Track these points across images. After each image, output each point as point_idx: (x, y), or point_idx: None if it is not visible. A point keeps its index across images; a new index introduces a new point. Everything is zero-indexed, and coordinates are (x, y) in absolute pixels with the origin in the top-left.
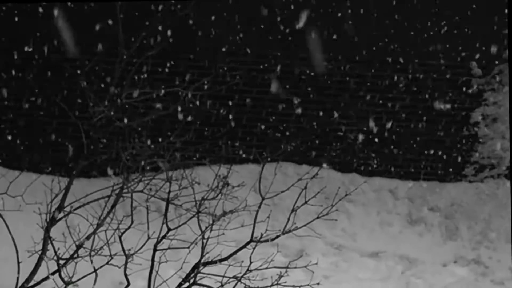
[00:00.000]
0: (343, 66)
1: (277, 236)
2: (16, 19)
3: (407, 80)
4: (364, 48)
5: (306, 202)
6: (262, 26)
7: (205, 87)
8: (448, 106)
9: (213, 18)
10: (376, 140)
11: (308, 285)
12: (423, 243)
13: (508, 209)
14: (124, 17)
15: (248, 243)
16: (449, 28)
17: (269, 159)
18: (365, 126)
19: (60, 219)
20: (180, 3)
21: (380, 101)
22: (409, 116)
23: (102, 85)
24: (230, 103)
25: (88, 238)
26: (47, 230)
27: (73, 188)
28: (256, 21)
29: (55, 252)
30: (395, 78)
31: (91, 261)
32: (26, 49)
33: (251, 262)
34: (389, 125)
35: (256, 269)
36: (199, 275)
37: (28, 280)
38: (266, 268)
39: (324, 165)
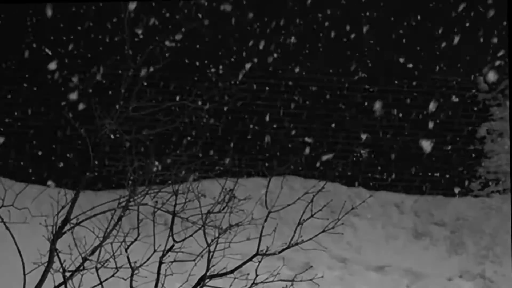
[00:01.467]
0: (349, 80)
1: (283, 249)
2: (22, 27)
3: (413, 94)
4: (370, 62)
5: (312, 216)
6: (267, 39)
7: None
8: (454, 120)
9: (220, 32)
10: (382, 154)
11: None
12: (428, 257)
13: None
14: (131, 30)
15: (254, 256)
16: (455, 43)
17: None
18: (371, 140)
19: (66, 231)
20: (187, 16)
21: (386, 115)
22: (415, 130)
23: (109, 98)
24: (237, 116)
25: (94, 250)
26: (53, 242)
27: (80, 201)
28: (261, 34)
29: (61, 264)
30: (401, 92)
31: (97, 274)
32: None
33: (257, 275)
34: (395, 139)
35: (261, 282)
36: None
37: None
38: (272, 281)
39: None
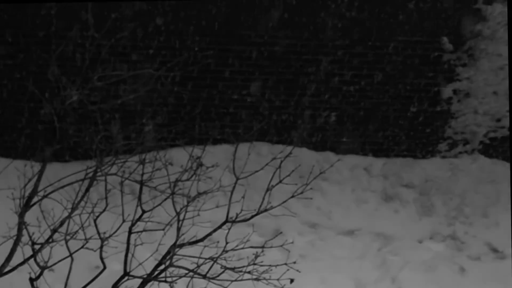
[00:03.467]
0: (314, 44)
1: (253, 216)
2: None
3: (378, 56)
4: (334, 26)
5: (280, 181)
6: (233, 5)
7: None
8: (421, 82)
9: None
10: (349, 118)
11: (285, 264)
12: (398, 220)
13: (482, 184)
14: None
15: (223, 223)
16: (419, 2)
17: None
18: (338, 104)
19: (34, 203)
20: None
21: (353, 79)
22: (381, 93)
23: (73, 68)
24: (203, 83)
25: (62, 222)
26: (21, 215)
27: (47, 173)
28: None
29: (30, 237)
30: (367, 55)
31: (67, 245)
32: None
33: (227, 243)
34: (362, 102)
35: (232, 249)
36: (175, 256)
37: (3, 265)
38: (242, 248)
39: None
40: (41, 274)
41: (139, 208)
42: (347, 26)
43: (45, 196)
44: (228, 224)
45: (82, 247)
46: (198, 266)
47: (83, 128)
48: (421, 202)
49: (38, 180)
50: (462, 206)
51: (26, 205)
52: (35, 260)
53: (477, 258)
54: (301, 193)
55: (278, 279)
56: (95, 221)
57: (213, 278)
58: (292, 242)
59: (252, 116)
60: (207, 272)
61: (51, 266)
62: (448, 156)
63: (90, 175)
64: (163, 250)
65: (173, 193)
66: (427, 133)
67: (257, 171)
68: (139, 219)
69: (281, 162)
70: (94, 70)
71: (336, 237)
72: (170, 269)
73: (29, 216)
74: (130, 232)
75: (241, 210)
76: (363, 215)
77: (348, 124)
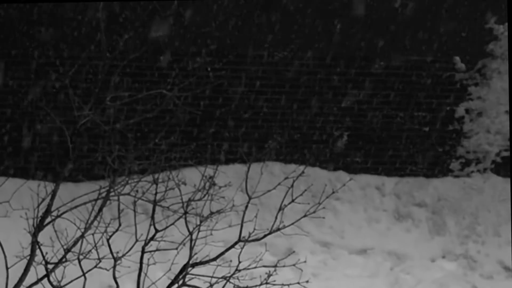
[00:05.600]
0: (327, 63)
1: (265, 235)
2: None
3: (391, 76)
4: (347, 45)
5: (293, 201)
6: (244, 25)
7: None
8: (433, 101)
9: (197, 18)
10: (362, 137)
11: (297, 283)
12: (411, 239)
13: (494, 203)
14: (107, 20)
15: (236, 243)
16: (432, 23)
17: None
18: (350, 123)
19: (48, 223)
20: (161, 4)
21: (365, 98)
22: (393, 112)
23: (86, 89)
24: (215, 103)
25: (76, 242)
26: (34, 235)
27: (60, 193)
28: (239, 20)
29: (43, 256)
30: (380, 75)
31: (80, 265)
32: (9, 52)
33: (239, 262)
34: (374, 121)
35: (245, 268)
36: (187, 276)
37: (17, 285)
38: (255, 267)
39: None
40: None
41: (152, 228)
42: (361, 45)
43: (58, 216)
44: (241, 244)
45: (95, 266)
46: (211, 286)
47: (96, 148)
48: (434, 221)
49: (52, 200)
50: (474, 225)
51: (40, 225)
52: (48, 280)
53: (490, 277)
54: (314, 212)
55: None
56: (108, 240)
57: None
58: (305, 261)
59: (265, 136)
60: None
61: (64, 285)
62: (461, 175)
63: (103, 195)
64: (176, 269)
65: (186, 213)
66: (439, 152)
67: (269, 191)
68: (152, 238)
69: (294, 181)
70: (107, 90)
71: (349, 256)
72: None
73: (43, 236)
74: (143, 252)
75: (254, 229)
76: (375, 234)
77: (361, 143)
